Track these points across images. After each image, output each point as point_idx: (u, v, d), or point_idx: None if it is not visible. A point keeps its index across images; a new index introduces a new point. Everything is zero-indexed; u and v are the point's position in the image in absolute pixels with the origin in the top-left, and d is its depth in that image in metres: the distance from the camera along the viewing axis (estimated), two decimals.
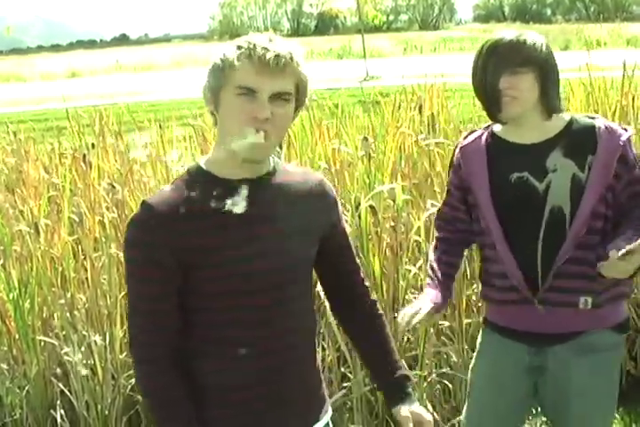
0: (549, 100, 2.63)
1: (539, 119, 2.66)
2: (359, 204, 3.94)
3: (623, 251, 2.38)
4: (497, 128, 2.76)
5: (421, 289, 4.22)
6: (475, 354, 3.01)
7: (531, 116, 2.64)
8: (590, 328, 2.70)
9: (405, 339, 4.22)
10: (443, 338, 4.34)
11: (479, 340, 2.99)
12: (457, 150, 2.84)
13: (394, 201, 4.11)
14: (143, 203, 2.06)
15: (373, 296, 2.38)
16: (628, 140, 2.62)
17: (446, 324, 4.35)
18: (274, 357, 2.09)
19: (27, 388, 4.28)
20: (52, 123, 7.94)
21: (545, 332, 2.72)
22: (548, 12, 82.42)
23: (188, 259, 1.98)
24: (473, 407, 3.00)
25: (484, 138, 2.77)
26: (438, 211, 3.00)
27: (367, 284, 2.38)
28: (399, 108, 5.61)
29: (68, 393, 4.23)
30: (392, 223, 4.10)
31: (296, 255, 2.11)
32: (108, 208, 4.75)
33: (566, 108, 5.02)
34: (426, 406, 4.12)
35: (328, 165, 4.45)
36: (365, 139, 4.33)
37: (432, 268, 2.87)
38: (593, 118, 2.70)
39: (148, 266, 2.01)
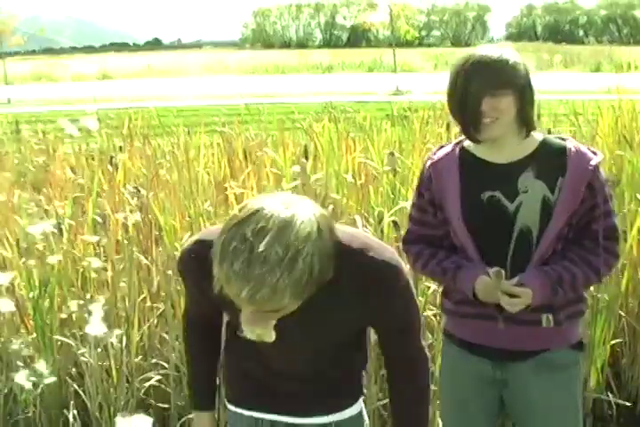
0: (527, 119, 2.62)
1: (514, 138, 2.64)
2: (382, 218, 3.95)
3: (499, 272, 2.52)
4: (468, 144, 2.73)
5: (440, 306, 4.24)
6: (439, 364, 3.03)
7: (506, 136, 2.63)
8: (551, 346, 2.71)
9: None
10: None
11: (442, 350, 3.00)
12: (427, 165, 2.77)
13: None
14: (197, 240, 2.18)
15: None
16: (597, 165, 2.60)
17: None
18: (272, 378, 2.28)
19: (41, 386, 4.29)
20: (82, 124, 7.95)
21: (506, 348, 2.72)
22: (581, 32, 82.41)
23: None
24: (443, 414, 3.07)
25: (456, 153, 2.73)
26: (407, 232, 2.89)
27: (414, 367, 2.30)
28: (427, 123, 5.62)
29: (82, 394, 4.25)
30: None
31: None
32: (132, 211, 4.78)
33: (595, 131, 5.06)
34: (437, 423, 4.12)
35: (353, 178, 4.46)
36: (392, 154, 4.34)
37: (436, 270, 2.78)
38: (564, 140, 2.69)
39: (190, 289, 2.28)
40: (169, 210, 4.57)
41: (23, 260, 4.33)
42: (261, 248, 1.68)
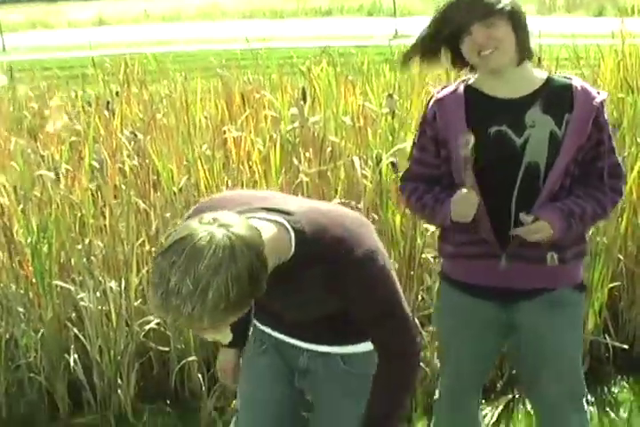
0: (523, 45, 2.61)
1: (516, 70, 2.63)
2: (380, 160, 3.92)
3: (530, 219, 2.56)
4: (473, 81, 2.73)
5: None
6: (435, 306, 3.07)
7: (509, 68, 2.62)
8: (556, 286, 2.72)
9: (420, 298, 4.21)
10: None
11: (440, 293, 3.02)
12: (431, 103, 2.76)
13: None
14: None
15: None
16: (602, 102, 2.62)
17: None
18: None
19: (42, 331, 4.31)
20: (77, 70, 7.90)
21: (511, 287, 2.73)
22: None
23: None
24: (446, 357, 3.11)
25: (460, 90, 2.72)
26: (406, 171, 2.89)
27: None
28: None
29: (82, 338, 4.26)
30: None
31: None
32: (129, 156, 4.76)
33: (596, 74, 5.01)
34: (436, 365, 4.14)
35: (352, 120, 4.42)
36: (390, 96, 4.29)
37: (425, 204, 2.78)
38: (570, 79, 2.69)
39: None
40: (166, 154, 4.54)
41: (21, 206, 4.32)
42: (173, 283, 1.77)
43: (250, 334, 2.63)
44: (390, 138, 4.28)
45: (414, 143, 2.87)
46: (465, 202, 2.59)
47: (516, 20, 2.58)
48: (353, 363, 2.42)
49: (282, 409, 2.58)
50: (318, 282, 2.11)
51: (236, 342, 2.45)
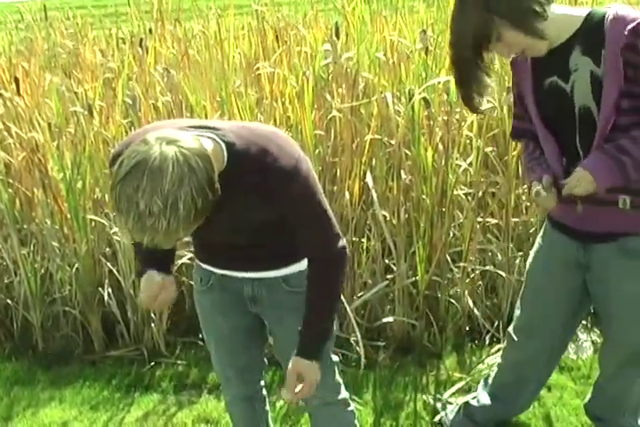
0: (533, 29, 2.49)
1: (548, 25, 2.49)
2: (413, 96, 3.88)
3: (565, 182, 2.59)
4: None
5: (470, 185, 4.22)
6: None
7: (542, 44, 2.55)
8: (629, 231, 2.68)
9: (451, 235, 4.21)
10: (489, 236, 4.34)
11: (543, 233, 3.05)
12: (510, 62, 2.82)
13: (448, 95, 4.04)
14: None
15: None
16: (635, 27, 2.41)
17: (493, 221, 4.33)
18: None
19: (76, 266, 4.37)
20: (111, 8, 7.86)
21: (586, 230, 2.75)
22: None
23: None
24: (526, 291, 3.13)
25: None
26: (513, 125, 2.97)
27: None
28: None
29: (116, 273, 4.31)
30: (445, 117, 4.05)
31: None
32: (162, 92, 4.75)
33: None
34: (467, 302, 4.16)
35: (385, 56, 4.37)
36: (424, 32, 4.22)
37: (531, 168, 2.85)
38: (609, 8, 2.54)
39: None
40: (200, 91, 4.53)
41: (55, 143, 4.34)
42: (143, 206, 1.86)
43: (194, 273, 2.77)
44: (423, 74, 4.23)
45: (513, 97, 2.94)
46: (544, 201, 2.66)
47: (510, 19, 2.46)
48: (293, 282, 2.57)
49: (245, 336, 2.76)
50: (250, 190, 2.23)
51: (162, 265, 2.54)
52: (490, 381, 3.44)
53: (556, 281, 2.96)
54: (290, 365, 2.46)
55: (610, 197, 2.62)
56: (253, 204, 2.27)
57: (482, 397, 3.45)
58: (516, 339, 3.21)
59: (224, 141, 2.19)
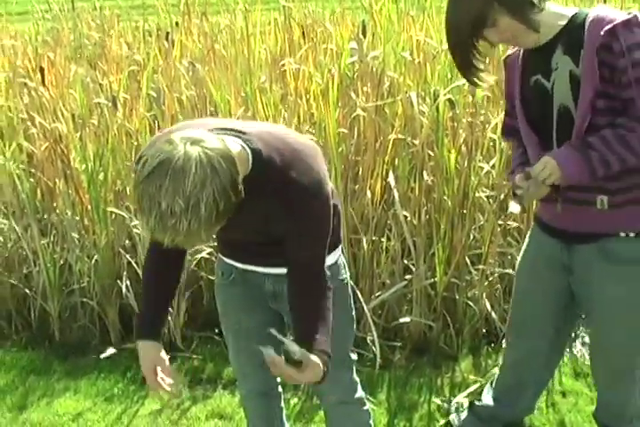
0: (527, 20, 2.52)
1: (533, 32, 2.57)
2: (438, 96, 3.87)
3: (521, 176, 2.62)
4: None
5: (492, 188, 4.20)
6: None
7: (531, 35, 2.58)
8: (609, 231, 2.68)
9: (471, 237, 4.19)
10: (509, 239, 4.32)
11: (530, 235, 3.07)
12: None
13: (473, 97, 4.02)
14: None
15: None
16: (622, 25, 2.42)
17: (514, 224, 4.31)
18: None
19: (95, 257, 4.38)
20: (139, 1, 7.87)
21: (568, 230, 2.77)
22: None
23: None
24: (515, 292, 3.15)
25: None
26: (503, 122, 3.02)
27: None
28: None
29: (135, 265, 4.32)
30: (469, 119, 4.03)
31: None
32: (186, 86, 4.75)
33: None
34: (484, 305, 4.14)
35: (411, 56, 4.36)
36: None
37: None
38: (593, 9, 2.57)
39: None
40: (224, 85, 4.52)
41: (79, 134, 4.35)
42: (165, 206, 1.86)
43: (215, 266, 2.80)
44: (449, 75, 4.22)
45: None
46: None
47: (508, 7, 2.49)
48: None
49: (264, 332, 2.61)
50: (272, 199, 2.22)
51: (153, 333, 2.50)
52: (493, 384, 3.45)
53: (542, 282, 2.97)
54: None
55: (588, 196, 2.64)
56: (273, 212, 2.26)
57: (485, 398, 3.46)
58: (509, 339, 3.27)
59: (250, 147, 2.17)
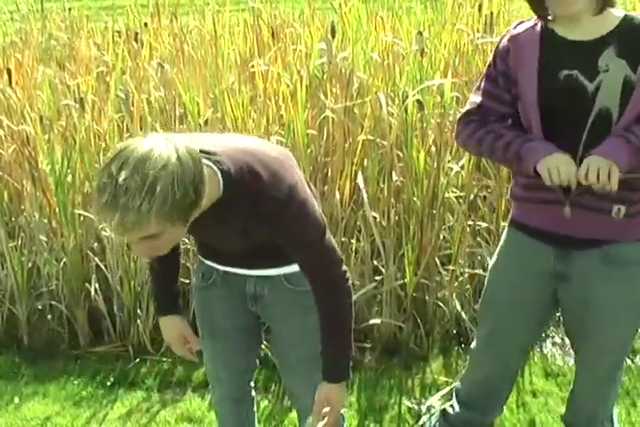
0: None
1: (590, 14, 2.47)
2: (407, 97, 3.87)
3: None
4: (550, 21, 2.57)
5: (462, 188, 4.20)
6: (497, 251, 2.93)
7: (585, 12, 2.47)
8: (618, 238, 2.62)
9: (441, 237, 4.20)
10: (479, 239, 4.33)
11: (503, 238, 2.91)
12: (506, 38, 2.65)
13: (442, 97, 4.03)
14: None
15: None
16: None
17: (484, 225, 4.32)
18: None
19: (64, 260, 4.35)
20: (109, 1, 7.84)
21: (571, 235, 2.64)
22: None
23: None
24: (490, 302, 2.97)
25: (537, 28, 2.59)
26: (471, 104, 2.72)
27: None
28: (460, 5, 5.45)
29: (104, 268, 4.29)
30: (438, 120, 4.04)
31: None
32: (155, 87, 4.73)
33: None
34: (454, 305, 4.15)
35: (381, 57, 4.36)
36: (420, 33, 4.21)
37: (499, 135, 2.62)
38: None
39: None
40: (193, 87, 4.50)
41: (46, 136, 4.32)
42: (122, 180, 1.84)
43: (194, 269, 2.86)
44: (418, 76, 4.22)
45: (485, 76, 2.71)
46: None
47: None
48: (296, 281, 2.53)
49: (243, 336, 2.75)
50: (244, 214, 2.22)
51: (172, 309, 2.75)
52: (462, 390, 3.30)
53: (524, 293, 2.83)
54: (319, 392, 2.45)
55: (605, 204, 2.54)
56: (250, 227, 2.27)
57: (456, 405, 3.30)
58: (479, 345, 3.09)
59: (221, 171, 2.15)
